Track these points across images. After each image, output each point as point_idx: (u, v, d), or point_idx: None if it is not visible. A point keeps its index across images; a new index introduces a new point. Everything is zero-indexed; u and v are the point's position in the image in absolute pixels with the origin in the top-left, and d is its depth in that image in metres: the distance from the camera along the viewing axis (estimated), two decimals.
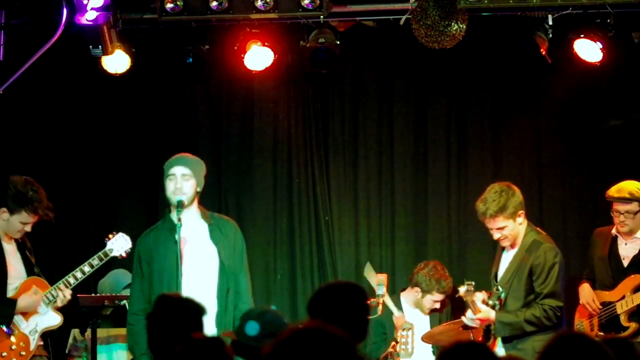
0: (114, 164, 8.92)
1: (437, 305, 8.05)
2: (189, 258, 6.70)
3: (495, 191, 6.80)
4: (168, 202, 6.75)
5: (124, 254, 7.07)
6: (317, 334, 3.10)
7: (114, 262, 8.47)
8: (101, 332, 7.72)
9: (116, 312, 7.84)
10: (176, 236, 6.59)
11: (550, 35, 7.90)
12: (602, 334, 7.23)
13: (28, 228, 6.81)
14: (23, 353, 6.71)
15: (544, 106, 8.64)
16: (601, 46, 7.80)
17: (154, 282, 6.66)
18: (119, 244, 7.10)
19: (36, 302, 6.75)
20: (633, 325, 7.12)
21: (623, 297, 7.15)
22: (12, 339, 6.68)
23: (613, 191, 7.24)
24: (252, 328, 4.62)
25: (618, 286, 7.20)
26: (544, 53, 7.90)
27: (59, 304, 6.81)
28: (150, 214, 8.75)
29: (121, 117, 8.90)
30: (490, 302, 6.81)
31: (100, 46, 7.78)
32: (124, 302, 7.47)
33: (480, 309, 6.77)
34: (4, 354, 6.62)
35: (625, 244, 7.28)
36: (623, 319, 7.15)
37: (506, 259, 6.94)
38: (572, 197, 8.63)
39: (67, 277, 6.87)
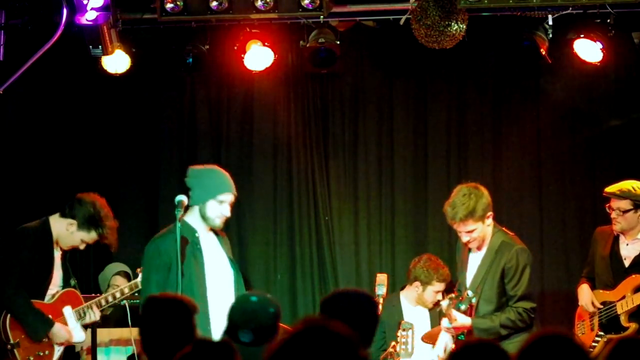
0: (114, 164, 8.92)
1: (440, 297, 8.04)
2: (210, 268, 6.70)
3: (464, 194, 6.72)
4: (173, 201, 6.72)
5: None
6: (321, 332, 3.11)
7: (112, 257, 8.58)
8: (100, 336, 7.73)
9: (116, 312, 7.85)
10: (177, 238, 6.57)
11: (550, 35, 7.90)
12: (602, 333, 7.23)
13: (82, 247, 6.90)
14: None
15: (544, 106, 8.64)
16: (601, 46, 7.80)
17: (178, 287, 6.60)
18: None
19: (67, 339, 6.81)
20: (633, 326, 7.11)
21: (623, 297, 7.14)
22: (39, 346, 6.72)
23: (609, 187, 7.25)
24: (245, 336, 4.62)
25: (619, 286, 7.19)
26: (544, 53, 7.89)
27: (87, 321, 6.90)
28: (151, 214, 8.76)
29: (121, 117, 8.90)
30: (462, 307, 6.75)
31: (100, 46, 7.78)
32: (124, 302, 7.48)
33: (456, 318, 6.72)
34: (30, 358, 6.66)
35: (627, 244, 7.27)
36: (623, 319, 7.14)
37: (474, 261, 6.86)
38: (572, 197, 8.62)
39: (99, 298, 6.98)
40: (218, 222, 6.67)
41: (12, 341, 6.59)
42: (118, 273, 8.34)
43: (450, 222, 6.75)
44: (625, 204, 7.16)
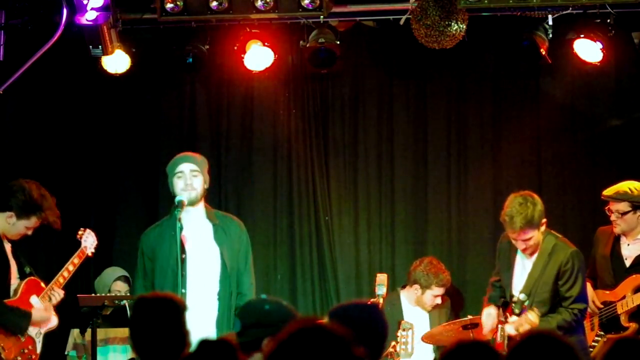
0: (114, 164, 8.92)
1: (439, 300, 8.05)
2: (192, 258, 6.70)
3: (520, 203, 6.67)
4: (172, 201, 6.76)
5: (92, 252, 7.14)
6: (316, 332, 3.11)
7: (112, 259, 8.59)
8: (98, 334, 7.73)
9: (116, 312, 7.85)
10: (177, 236, 6.59)
11: (550, 35, 7.90)
12: (602, 333, 7.23)
13: (30, 232, 6.83)
14: (32, 356, 6.76)
15: (544, 106, 8.63)
16: (601, 46, 7.81)
17: (156, 279, 6.67)
18: (89, 242, 7.14)
19: (47, 319, 6.82)
20: (633, 326, 7.11)
21: (624, 297, 7.14)
22: (21, 344, 6.71)
23: (607, 190, 7.25)
24: (236, 325, 4.62)
25: (619, 286, 7.19)
26: (544, 53, 7.90)
27: (54, 302, 6.86)
28: (151, 214, 8.75)
29: (121, 117, 8.90)
30: (516, 310, 6.75)
31: (100, 46, 7.78)
32: (124, 302, 7.48)
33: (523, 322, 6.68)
34: (18, 358, 6.66)
35: (628, 244, 7.27)
36: (623, 319, 7.14)
37: (525, 265, 6.84)
38: (572, 197, 8.62)
39: (56, 277, 6.91)
40: (185, 194, 6.74)
41: None
42: (118, 278, 8.33)
43: (508, 231, 6.73)
44: (624, 206, 7.15)
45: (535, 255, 6.80)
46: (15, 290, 6.76)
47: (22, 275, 6.84)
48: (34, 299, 6.79)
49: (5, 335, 6.63)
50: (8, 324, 6.63)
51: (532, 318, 6.61)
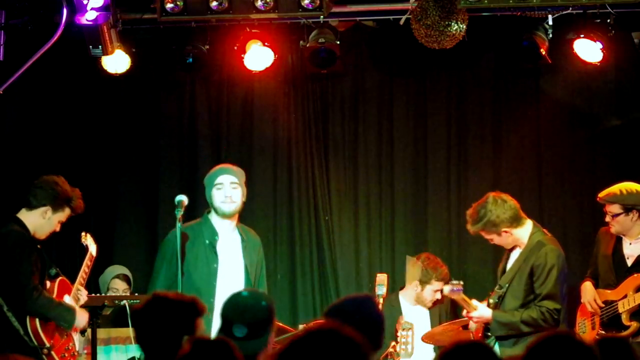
0: (114, 164, 8.92)
1: (439, 295, 8.04)
2: (223, 270, 6.72)
3: (482, 205, 6.83)
4: (173, 203, 6.76)
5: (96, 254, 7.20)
6: (331, 335, 3.11)
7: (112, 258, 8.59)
8: (100, 334, 7.73)
9: (118, 312, 7.84)
10: (177, 237, 6.58)
11: (550, 35, 7.91)
12: (603, 332, 7.23)
13: (58, 228, 6.85)
14: (75, 353, 6.84)
15: (544, 106, 8.64)
16: (601, 46, 7.82)
17: (184, 282, 6.62)
18: (92, 246, 7.17)
19: (85, 319, 6.85)
20: (634, 325, 7.12)
21: (625, 296, 7.15)
22: (64, 342, 6.76)
23: (602, 192, 7.26)
24: (239, 331, 4.58)
25: (620, 285, 7.19)
26: (544, 53, 7.91)
27: (81, 302, 6.93)
28: (150, 215, 8.76)
29: (121, 117, 8.90)
30: (492, 301, 6.83)
31: (100, 46, 7.78)
32: (124, 302, 7.48)
33: (476, 307, 6.78)
34: (65, 355, 6.70)
35: (630, 243, 7.27)
36: (624, 318, 7.14)
37: (512, 258, 6.97)
38: (572, 197, 8.63)
39: (78, 279, 6.98)
40: (225, 207, 6.76)
41: (47, 345, 6.60)
42: (117, 276, 8.34)
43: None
44: (615, 208, 7.17)
45: (521, 249, 6.87)
46: (49, 290, 6.79)
47: (48, 277, 6.89)
48: (66, 298, 6.83)
49: (55, 331, 6.68)
50: (59, 318, 6.68)
51: (484, 313, 6.76)
